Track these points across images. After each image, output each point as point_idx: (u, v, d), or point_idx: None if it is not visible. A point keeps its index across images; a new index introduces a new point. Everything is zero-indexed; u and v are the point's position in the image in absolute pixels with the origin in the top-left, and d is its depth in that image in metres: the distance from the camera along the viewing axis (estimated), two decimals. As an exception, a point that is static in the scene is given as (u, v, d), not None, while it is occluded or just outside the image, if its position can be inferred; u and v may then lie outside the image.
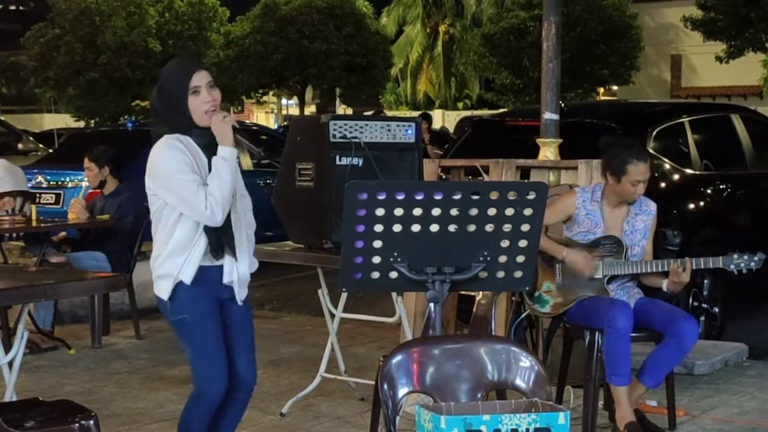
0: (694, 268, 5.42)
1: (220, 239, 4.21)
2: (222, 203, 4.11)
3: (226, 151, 4.16)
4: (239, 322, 4.42)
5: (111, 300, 8.59)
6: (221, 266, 4.27)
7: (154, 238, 4.30)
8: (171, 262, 4.21)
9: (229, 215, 4.21)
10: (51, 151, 16.60)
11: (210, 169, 4.18)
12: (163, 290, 4.26)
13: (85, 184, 8.96)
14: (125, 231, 8.31)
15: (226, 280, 4.28)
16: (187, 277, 4.21)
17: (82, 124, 31.42)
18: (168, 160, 4.15)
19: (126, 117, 28.35)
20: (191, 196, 4.10)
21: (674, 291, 5.46)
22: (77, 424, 3.80)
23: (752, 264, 5.31)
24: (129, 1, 29.38)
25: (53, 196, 11.40)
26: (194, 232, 4.19)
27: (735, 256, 5.32)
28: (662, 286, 5.44)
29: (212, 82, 4.22)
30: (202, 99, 4.18)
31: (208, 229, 4.18)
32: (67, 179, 11.43)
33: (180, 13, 31.40)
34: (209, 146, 4.21)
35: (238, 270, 4.30)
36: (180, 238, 4.19)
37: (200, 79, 4.19)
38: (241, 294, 4.35)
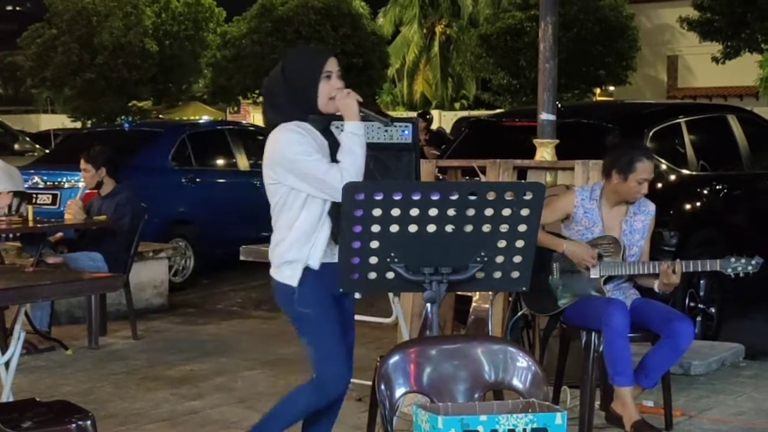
0: (692, 270, 5.44)
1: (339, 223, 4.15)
2: (356, 177, 4.13)
3: (354, 126, 4.23)
4: (349, 319, 4.48)
5: (108, 300, 8.59)
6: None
7: (275, 225, 4.33)
8: (297, 247, 4.24)
9: None
10: (47, 151, 16.59)
11: (330, 151, 4.23)
12: (289, 277, 4.27)
13: (82, 184, 8.95)
14: (122, 231, 8.31)
15: None
16: (315, 262, 4.23)
17: (78, 124, 31.40)
18: (291, 144, 4.19)
19: (123, 117, 28.32)
20: (323, 175, 4.14)
21: (665, 291, 5.47)
22: (74, 425, 3.80)
23: (749, 268, 5.32)
24: (126, 1, 29.37)
25: (50, 196, 11.40)
26: (320, 215, 4.22)
27: (732, 259, 5.33)
28: (654, 286, 5.45)
29: (340, 72, 4.30)
30: (333, 84, 4.25)
31: (331, 212, 4.19)
32: (64, 180, 11.43)
33: (177, 13, 31.40)
34: (326, 130, 4.30)
35: None
36: (306, 222, 4.23)
37: (332, 65, 4.27)
38: None
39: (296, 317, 4.36)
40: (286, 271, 4.29)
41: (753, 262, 5.32)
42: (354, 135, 4.20)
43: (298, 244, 4.24)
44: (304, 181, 4.18)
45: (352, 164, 4.16)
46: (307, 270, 4.25)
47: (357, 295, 4.52)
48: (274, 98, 4.34)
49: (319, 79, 4.24)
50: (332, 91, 4.24)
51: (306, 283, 4.26)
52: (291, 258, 4.27)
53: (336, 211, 4.15)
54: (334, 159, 4.23)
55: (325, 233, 4.23)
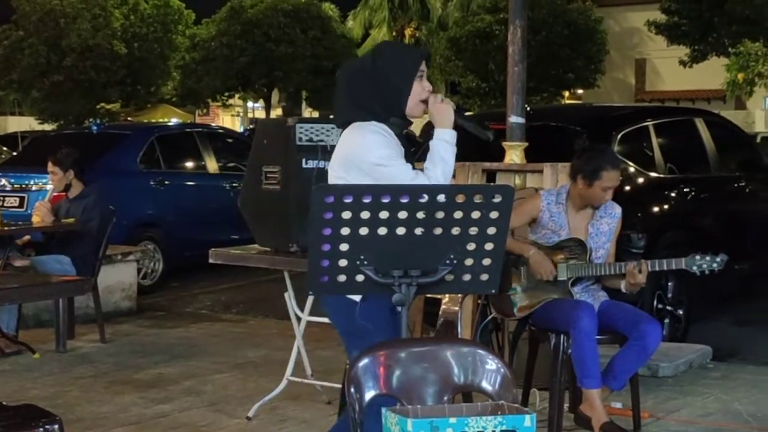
0: (657, 269, 5.46)
1: None
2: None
3: (448, 134, 4.03)
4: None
5: (76, 304, 8.53)
6: None
7: None
8: None
9: None
10: (15, 154, 16.49)
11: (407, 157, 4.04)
12: None
13: (50, 187, 8.90)
14: (90, 234, 8.27)
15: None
16: None
17: (46, 126, 31.20)
18: (376, 147, 3.98)
19: (91, 120, 28.15)
20: (410, 182, 3.97)
21: (632, 291, 5.48)
22: (42, 429, 3.77)
23: (714, 265, 5.35)
24: (94, 3, 29.23)
25: (17, 199, 11.33)
26: None
27: (698, 257, 5.36)
28: (621, 287, 5.48)
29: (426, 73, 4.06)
30: (424, 85, 4.05)
31: None
32: (31, 182, 11.36)
33: (145, 15, 31.28)
34: (402, 134, 4.09)
35: None
36: None
37: (424, 66, 4.05)
38: None
39: (354, 331, 4.14)
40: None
41: (718, 259, 5.35)
42: (447, 143, 4.02)
43: None
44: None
45: (443, 174, 3.98)
46: None
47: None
48: (356, 92, 4.05)
49: (414, 77, 4.03)
50: (423, 93, 4.05)
51: (371, 297, 4.05)
52: None
53: None
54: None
55: None
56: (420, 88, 4.02)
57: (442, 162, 4.01)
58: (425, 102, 4.04)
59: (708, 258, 5.34)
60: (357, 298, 4.08)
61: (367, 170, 3.96)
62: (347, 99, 4.09)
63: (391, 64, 4.04)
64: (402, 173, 3.96)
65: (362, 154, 3.96)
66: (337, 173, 4.06)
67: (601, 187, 5.44)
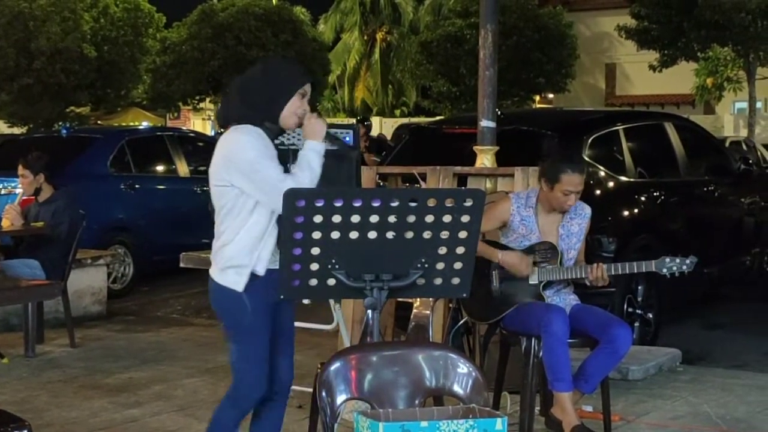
0: (627, 272, 5.50)
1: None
2: None
3: (320, 145, 4.26)
4: (287, 322, 4.45)
5: (45, 308, 8.49)
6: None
7: (220, 228, 4.29)
8: (245, 252, 4.21)
9: None
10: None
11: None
12: (235, 282, 4.24)
13: (19, 190, 8.85)
14: (60, 238, 8.22)
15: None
16: (261, 268, 4.21)
17: (15, 130, 31.00)
18: (252, 147, 4.18)
19: (60, 123, 27.98)
20: (280, 183, 4.09)
21: (593, 284, 5.50)
22: (11, 434, 3.75)
23: (684, 267, 5.38)
24: (63, 6, 29.02)
25: (-14, 203, 11.25)
26: (268, 221, 4.20)
27: (667, 259, 5.39)
28: (585, 281, 5.49)
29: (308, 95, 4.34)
30: (302, 105, 4.29)
31: (279, 220, 4.13)
32: (1, 186, 11.29)
33: (115, 18, 31.09)
34: (273, 140, 4.28)
35: None
36: (256, 227, 4.21)
37: (308, 88, 4.33)
38: None
39: (233, 323, 4.34)
40: (231, 276, 4.26)
41: (687, 261, 5.39)
42: (316, 153, 4.23)
43: (246, 249, 4.22)
44: (258, 187, 4.15)
45: (309, 180, 4.16)
46: (253, 276, 4.23)
47: (306, 300, 4.52)
48: (242, 97, 4.29)
49: (295, 93, 4.27)
50: (299, 109, 4.27)
51: (251, 289, 4.24)
52: (238, 263, 4.23)
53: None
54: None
55: (273, 240, 4.21)
56: (299, 102, 4.28)
57: (309, 169, 4.21)
58: (300, 117, 4.28)
59: (678, 260, 5.37)
60: (240, 289, 4.23)
61: (246, 169, 4.16)
62: (231, 103, 4.36)
63: (277, 74, 4.31)
64: (274, 174, 4.15)
65: (240, 154, 4.17)
66: (218, 174, 4.27)
67: (561, 190, 5.43)
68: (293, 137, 5.66)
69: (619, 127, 8.69)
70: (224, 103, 4.49)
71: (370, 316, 4.00)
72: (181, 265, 6.10)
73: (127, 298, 11.17)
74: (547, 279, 5.53)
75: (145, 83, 33.17)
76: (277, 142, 5.58)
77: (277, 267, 4.10)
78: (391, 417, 3.30)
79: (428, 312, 6.14)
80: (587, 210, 5.67)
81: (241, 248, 4.22)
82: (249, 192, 4.18)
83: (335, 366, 3.46)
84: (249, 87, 4.31)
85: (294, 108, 4.27)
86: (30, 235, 8.37)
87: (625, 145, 8.57)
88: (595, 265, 5.42)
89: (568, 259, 5.56)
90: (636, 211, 8.54)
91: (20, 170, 8.44)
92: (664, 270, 5.40)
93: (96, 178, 11.62)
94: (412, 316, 6.23)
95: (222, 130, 4.47)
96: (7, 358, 7.71)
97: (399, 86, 51.56)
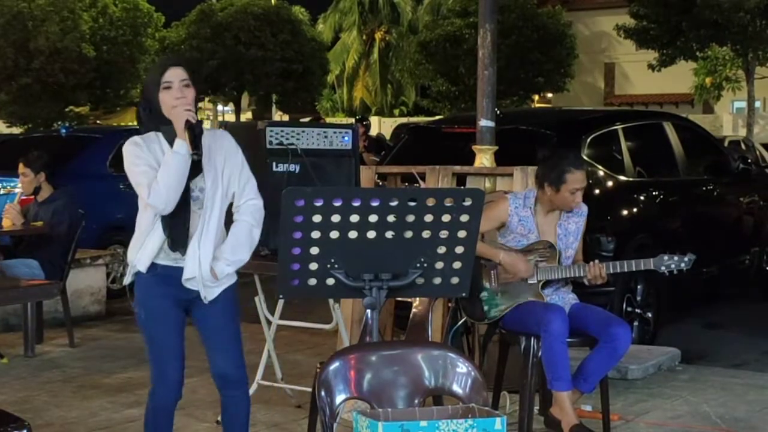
0: (626, 270, 5.51)
1: (172, 231, 4.30)
2: (165, 192, 4.20)
3: (177, 144, 4.23)
4: (209, 322, 4.48)
5: (44, 308, 8.49)
6: (183, 268, 4.34)
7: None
8: (134, 249, 4.41)
9: (186, 210, 4.29)
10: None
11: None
12: (128, 277, 4.46)
13: (18, 190, 8.85)
14: (59, 238, 8.22)
15: (185, 277, 4.32)
16: (143, 265, 4.35)
17: (14, 130, 30.98)
18: (126, 155, 4.32)
19: (59, 123, 27.97)
20: (139, 184, 4.28)
21: (591, 283, 5.50)
22: (10, 434, 3.75)
23: (682, 264, 5.39)
24: (62, 6, 29.01)
25: (-15, 202, 11.24)
26: (151, 220, 4.34)
27: (666, 257, 5.40)
28: (584, 280, 5.50)
29: (187, 81, 4.30)
30: (173, 95, 4.26)
31: (163, 219, 4.30)
32: (0, 186, 11.27)
33: (114, 18, 31.08)
34: (171, 140, 4.28)
35: (201, 268, 4.32)
36: (142, 225, 4.39)
37: (173, 75, 4.28)
38: (208, 293, 4.38)
39: (136, 316, 4.54)
40: (129, 272, 4.46)
41: (686, 259, 5.39)
42: (173, 152, 4.22)
43: (135, 246, 4.42)
44: (135, 188, 4.35)
45: (162, 178, 4.20)
46: (139, 272, 4.40)
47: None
48: (138, 112, 4.54)
49: (158, 90, 4.29)
50: (172, 102, 4.27)
51: (138, 283, 4.43)
52: (129, 259, 4.44)
53: (165, 219, 4.28)
54: (197, 167, 4.28)
55: (156, 238, 4.34)
56: (168, 97, 4.27)
57: (164, 167, 4.26)
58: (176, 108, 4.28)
59: (676, 258, 5.38)
60: (126, 283, 4.48)
61: (127, 173, 4.35)
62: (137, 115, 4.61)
63: (145, 83, 4.44)
64: (135, 178, 4.29)
65: (124, 161, 4.34)
66: None
67: (568, 190, 5.45)
68: (293, 137, 5.69)
69: (618, 127, 8.69)
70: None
71: (369, 315, 4.00)
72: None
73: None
74: (545, 278, 5.53)
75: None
76: (275, 141, 5.62)
77: (173, 264, 4.31)
78: (390, 417, 3.30)
79: (427, 312, 6.14)
80: (584, 209, 5.68)
81: (132, 245, 4.44)
82: (138, 193, 4.37)
83: (334, 365, 3.46)
84: (141, 98, 4.50)
85: (167, 102, 4.28)
86: (29, 235, 8.36)
87: (624, 144, 8.57)
88: (592, 263, 5.43)
89: (566, 258, 5.57)
90: (635, 210, 8.54)
91: (21, 169, 8.43)
92: (663, 268, 5.40)
93: (95, 177, 11.60)
94: (411, 316, 6.24)
95: None
96: (6, 357, 7.71)
97: (398, 86, 51.58)
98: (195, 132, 4.20)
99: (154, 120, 4.34)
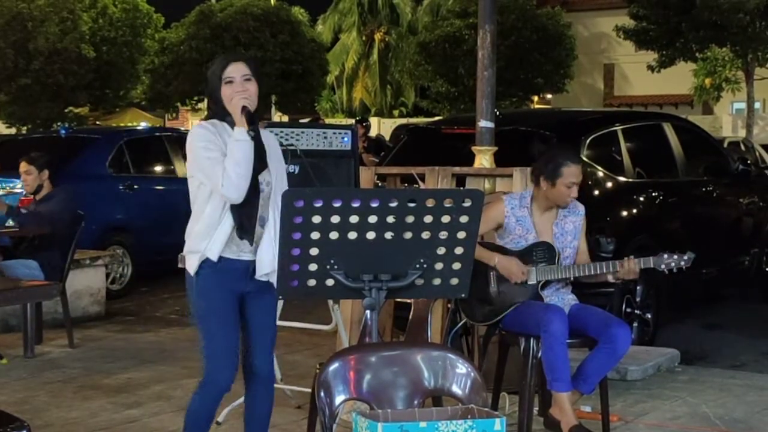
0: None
1: (242, 220, 4.35)
2: (235, 180, 4.25)
3: (236, 132, 4.31)
4: (261, 316, 4.56)
5: (44, 308, 8.49)
6: (246, 261, 4.41)
7: (191, 217, 4.50)
8: (199, 238, 4.40)
9: (257, 199, 4.36)
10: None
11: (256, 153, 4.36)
12: (190, 265, 4.45)
13: (18, 190, 8.86)
14: (59, 233, 8.20)
15: (263, 271, 4.40)
16: (213, 254, 4.37)
17: (13, 130, 30.98)
18: (197, 139, 4.37)
19: (59, 124, 27.97)
20: (211, 171, 4.29)
21: (619, 280, 5.49)
22: (10, 435, 3.75)
23: (682, 263, 5.39)
24: (62, 6, 29.00)
25: (-16, 203, 11.23)
26: (221, 209, 4.36)
27: (665, 255, 5.40)
28: (608, 278, 5.49)
29: (248, 75, 4.40)
30: (234, 89, 4.36)
31: (232, 208, 4.34)
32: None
33: (114, 19, 31.08)
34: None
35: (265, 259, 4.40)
36: (210, 214, 4.37)
37: (234, 71, 4.39)
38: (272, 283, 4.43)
39: (192, 307, 4.54)
40: (190, 259, 4.46)
41: (685, 257, 5.39)
42: (235, 141, 4.31)
43: (200, 235, 4.40)
44: (202, 174, 4.35)
45: (230, 167, 4.26)
46: (205, 261, 4.40)
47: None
48: (206, 97, 4.58)
49: (221, 85, 4.39)
50: (233, 95, 4.36)
51: (202, 273, 4.42)
52: (193, 248, 4.43)
53: (235, 208, 4.33)
54: (263, 161, 4.37)
55: (227, 227, 4.37)
56: (229, 91, 4.38)
57: (229, 156, 4.31)
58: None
59: (675, 256, 5.39)
60: (192, 272, 4.44)
61: (192, 159, 4.38)
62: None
63: (208, 77, 4.48)
64: (208, 164, 4.31)
65: (190, 145, 4.38)
66: (188, 167, 4.48)
67: (564, 184, 5.47)
68: (292, 138, 5.69)
69: (618, 128, 8.70)
70: None
71: (368, 316, 4.00)
72: (179, 265, 6.09)
73: (125, 298, 11.17)
74: (545, 278, 5.53)
75: (143, 84, 33.16)
76: (276, 141, 5.63)
77: (238, 258, 4.37)
78: (389, 417, 3.30)
79: (427, 313, 6.14)
80: (581, 208, 5.69)
81: (196, 234, 4.42)
82: (204, 182, 4.37)
83: (334, 366, 3.47)
84: (205, 90, 4.56)
85: (228, 96, 4.36)
86: (29, 235, 8.36)
87: (623, 145, 8.57)
88: (626, 259, 5.39)
89: (564, 257, 5.57)
90: (634, 211, 8.54)
91: (24, 167, 8.44)
92: (662, 266, 5.41)
93: (95, 178, 11.61)
94: (410, 317, 6.24)
95: None
96: (6, 358, 7.72)
97: (397, 86, 51.57)
98: (253, 117, 4.33)
99: (219, 112, 4.43)
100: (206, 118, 4.51)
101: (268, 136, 4.58)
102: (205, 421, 4.60)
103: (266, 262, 4.40)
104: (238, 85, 4.37)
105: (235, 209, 4.34)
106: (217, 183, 4.25)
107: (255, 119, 4.33)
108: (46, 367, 7.62)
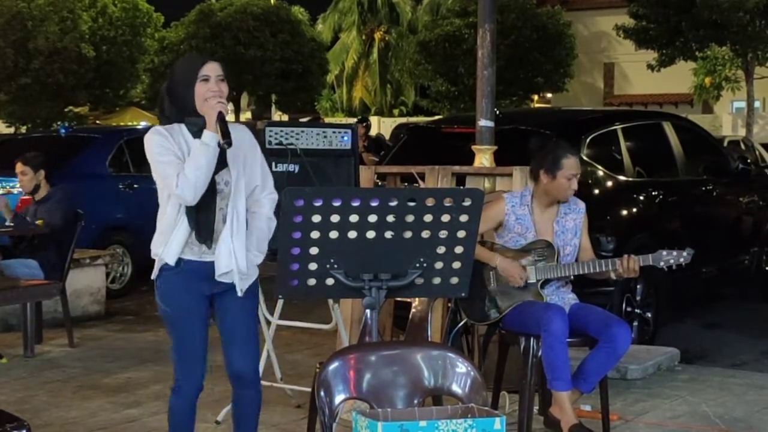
0: None
1: (199, 224, 4.30)
2: (194, 184, 4.19)
3: (206, 135, 4.24)
4: (234, 316, 4.51)
5: (44, 308, 8.48)
6: (209, 262, 4.33)
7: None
8: (158, 242, 4.37)
9: (213, 202, 4.29)
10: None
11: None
12: (154, 271, 4.42)
13: (17, 190, 8.86)
14: (55, 232, 8.20)
15: (221, 271, 4.33)
16: (170, 258, 4.32)
17: (13, 130, 30.99)
18: (151, 144, 4.30)
19: (59, 123, 27.98)
20: (166, 175, 4.23)
21: (620, 278, 5.49)
22: (9, 434, 3.75)
23: (681, 260, 5.39)
24: (62, 6, 29.02)
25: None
26: (177, 212, 4.31)
27: (665, 252, 5.40)
28: (611, 275, 5.49)
29: (222, 76, 4.34)
30: (210, 88, 4.29)
31: (188, 212, 4.28)
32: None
33: (114, 18, 31.11)
34: (199, 133, 4.29)
35: (237, 261, 4.33)
36: (168, 218, 4.34)
37: (210, 70, 4.33)
38: (243, 285, 4.40)
39: (159, 310, 4.53)
40: (155, 265, 4.43)
41: (684, 254, 5.39)
42: (202, 144, 4.24)
43: (160, 239, 4.38)
44: (158, 179, 4.32)
45: (191, 170, 4.19)
46: (165, 266, 4.37)
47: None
48: (161, 103, 4.46)
49: (196, 82, 4.31)
50: (207, 93, 4.29)
51: (163, 277, 4.40)
52: (154, 253, 4.41)
53: (191, 210, 4.28)
54: (222, 162, 4.31)
55: (183, 231, 4.32)
56: (204, 89, 4.30)
57: (192, 159, 4.27)
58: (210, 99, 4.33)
59: (675, 253, 5.38)
60: (153, 277, 4.43)
61: (150, 163, 4.32)
62: (159, 111, 4.54)
63: (177, 74, 4.39)
64: (162, 168, 4.26)
65: (147, 152, 4.33)
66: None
67: (564, 176, 5.48)
68: (292, 137, 5.69)
69: (618, 127, 8.69)
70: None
71: (368, 315, 4.00)
72: (180, 265, 6.09)
73: (125, 298, 11.16)
74: (545, 277, 5.53)
75: (143, 83, 33.19)
76: (275, 141, 5.63)
77: (199, 259, 4.31)
78: (389, 417, 3.30)
79: (427, 312, 6.14)
80: (581, 205, 5.68)
81: (157, 239, 4.40)
82: (159, 185, 4.35)
83: (334, 366, 3.46)
84: (161, 95, 4.45)
85: (201, 94, 4.29)
86: (29, 235, 8.36)
87: (623, 144, 8.57)
88: (626, 256, 5.39)
89: (564, 255, 5.57)
90: (634, 210, 8.54)
91: (19, 168, 8.44)
92: (662, 263, 5.40)
93: (94, 177, 11.61)
94: (410, 316, 6.23)
95: None
96: (5, 358, 7.71)
97: (397, 86, 51.58)
98: (226, 124, 4.26)
99: (179, 112, 4.35)
100: (162, 121, 4.44)
101: (239, 129, 4.47)
102: (189, 419, 4.64)
103: (223, 261, 4.31)
104: (213, 85, 4.30)
105: (192, 213, 4.28)
106: (171, 184, 4.19)
107: (228, 132, 4.22)
108: (46, 366, 7.62)
